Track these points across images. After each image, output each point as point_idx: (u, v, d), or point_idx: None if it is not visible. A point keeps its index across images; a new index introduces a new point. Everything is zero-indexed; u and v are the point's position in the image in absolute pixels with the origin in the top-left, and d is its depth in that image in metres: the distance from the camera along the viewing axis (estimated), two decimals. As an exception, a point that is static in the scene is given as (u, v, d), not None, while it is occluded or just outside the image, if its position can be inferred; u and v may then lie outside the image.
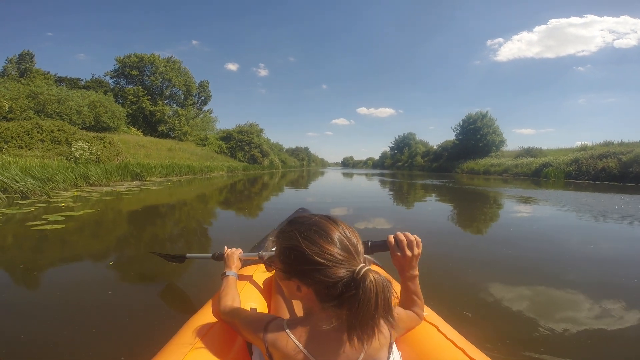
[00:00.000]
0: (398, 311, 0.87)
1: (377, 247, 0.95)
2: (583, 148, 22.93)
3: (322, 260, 0.68)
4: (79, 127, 16.38)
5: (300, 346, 0.71)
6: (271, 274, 1.41)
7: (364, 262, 0.70)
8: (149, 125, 29.24)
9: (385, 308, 0.66)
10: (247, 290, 1.26)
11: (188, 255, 1.89)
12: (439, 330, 0.98)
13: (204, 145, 28.61)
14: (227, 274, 1.20)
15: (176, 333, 0.98)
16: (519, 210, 6.50)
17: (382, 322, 0.70)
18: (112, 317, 1.76)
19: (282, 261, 0.75)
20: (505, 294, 2.17)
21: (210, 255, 1.59)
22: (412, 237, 0.89)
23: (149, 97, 29.25)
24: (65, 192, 6.91)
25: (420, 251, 0.90)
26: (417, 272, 0.92)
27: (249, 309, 1.01)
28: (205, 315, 1.06)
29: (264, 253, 1.39)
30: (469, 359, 0.86)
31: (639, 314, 1.91)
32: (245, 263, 1.47)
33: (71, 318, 1.73)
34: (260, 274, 1.42)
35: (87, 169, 8.92)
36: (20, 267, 2.50)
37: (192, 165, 17.72)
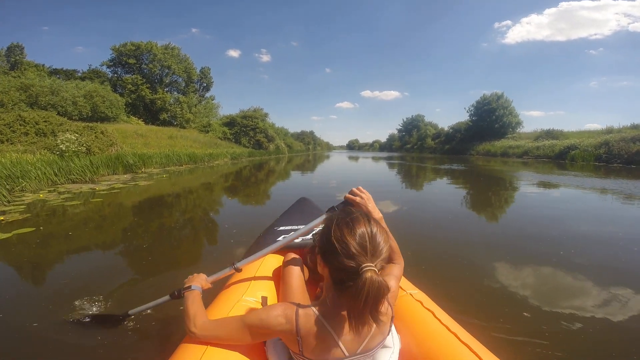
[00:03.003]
0: (391, 284, 0.92)
1: (339, 206, 1.14)
2: (610, 130, 21.49)
3: (337, 246, 0.77)
4: (76, 118, 16.22)
5: (330, 328, 0.80)
6: (278, 266, 1.46)
7: (376, 264, 0.75)
8: (150, 113, 28.90)
9: (374, 308, 0.74)
10: (255, 282, 1.34)
11: (131, 311, 1.56)
12: (434, 315, 1.06)
13: (207, 132, 27.54)
14: (192, 287, 1.13)
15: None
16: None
17: (384, 305, 0.82)
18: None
19: (319, 237, 0.86)
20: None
21: (167, 296, 1.34)
22: (357, 188, 1.12)
23: (148, 86, 28.75)
24: (32, 194, 5.80)
25: (368, 195, 1.11)
26: (380, 215, 1.09)
27: (260, 298, 1.19)
28: (222, 305, 1.16)
29: (238, 264, 1.29)
30: (462, 343, 0.92)
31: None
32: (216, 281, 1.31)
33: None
34: (266, 266, 1.47)
35: (70, 162, 7.95)
36: None
37: (194, 154, 16.71)
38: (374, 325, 0.81)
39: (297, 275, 1.23)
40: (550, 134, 27.15)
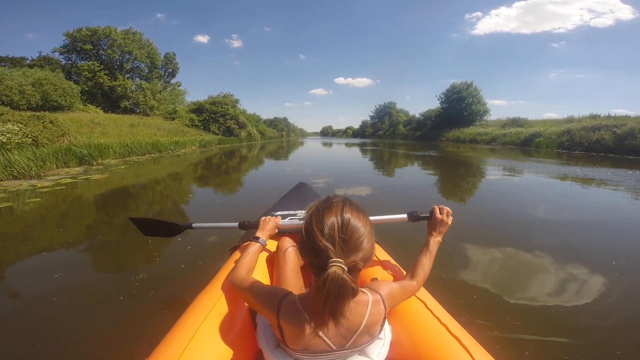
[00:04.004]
0: (393, 288, 0.92)
1: (422, 217, 1.26)
2: (570, 120, 22.75)
3: (306, 240, 0.72)
4: (24, 108, 15.11)
5: (310, 320, 0.75)
6: (272, 251, 1.40)
7: (348, 259, 0.70)
8: (110, 101, 27.54)
9: (333, 308, 0.70)
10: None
11: (195, 224, 1.63)
12: (426, 306, 1.04)
13: (173, 119, 26.07)
14: (259, 240, 1.23)
15: (182, 313, 1.04)
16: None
17: (377, 298, 0.82)
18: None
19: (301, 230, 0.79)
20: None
21: (236, 224, 1.48)
22: (447, 210, 1.16)
23: (106, 72, 27.25)
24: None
25: (449, 221, 1.16)
26: (440, 239, 1.15)
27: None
28: (212, 291, 1.11)
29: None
30: (451, 335, 0.91)
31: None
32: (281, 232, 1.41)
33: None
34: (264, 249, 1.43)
35: (10, 156, 7.07)
36: None
37: (158, 142, 15.70)
38: (365, 318, 0.78)
39: (291, 261, 1.18)
40: (515, 122, 28.17)
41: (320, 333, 0.75)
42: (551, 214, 4.11)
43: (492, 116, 36.21)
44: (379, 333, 0.84)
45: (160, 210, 4.44)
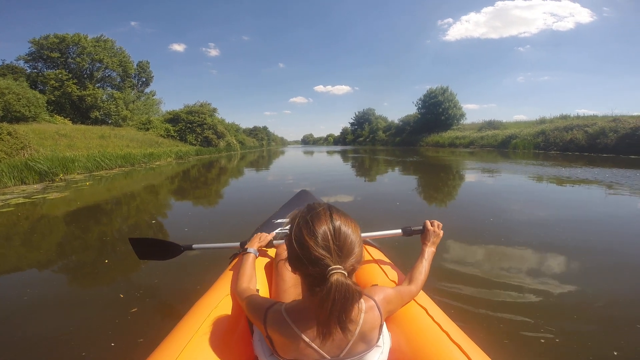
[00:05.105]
0: (388, 293, 0.91)
1: (415, 231, 1.32)
2: (543, 121, 23.46)
3: (299, 251, 0.70)
4: None
5: (297, 330, 0.74)
6: (271, 259, 1.44)
7: (345, 264, 0.69)
8: (79, 112, 26.20)
9: (340, 316, 0.68)
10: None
11: (195, 246, 1.67)
12: (427, 313, 1.01)
13: (147, 129, 25.08)
14: (248, 250, 1.30)
15: (183, 317, 1.05)
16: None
17: (371, 305, 0.80)
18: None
19: (286, 240, 0.78)
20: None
21: (237, 243, 1.54)
22: (438, 224, 1.26)
23: (75, 81, 25.87)
24: None
25: (441, 234, 1.25)
26: (434, 249, 1.22)
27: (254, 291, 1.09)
28: (211, 298, 1.13)
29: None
30: (453, 342, 0.88)
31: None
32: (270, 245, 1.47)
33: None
34: (263, 257, 1.43)
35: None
36: None
37: (130, 154, 14.90)
38: (358, 326, 0.76)
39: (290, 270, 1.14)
40: (491, 125, 28.89)
41: (312, 343, 0.74)
42: (558, 217, 3.91)
43: (467, 120, 37.19)
44: (377, 341, 0.81)
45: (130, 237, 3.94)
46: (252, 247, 1.33)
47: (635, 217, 4.00)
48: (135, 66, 33.11)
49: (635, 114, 16.75)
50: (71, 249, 3.31)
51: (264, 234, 1.45)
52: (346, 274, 0.68)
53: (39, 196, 6.18)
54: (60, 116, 23.43)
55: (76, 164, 10.68)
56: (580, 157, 13.65)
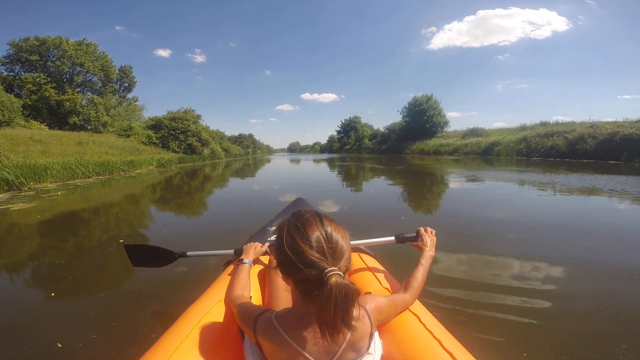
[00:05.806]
0: (379, 302, 0.92)
1: (408, 237, 1.32)
2: (524, 128, 23.87)
3: (293, 257, 0.70)
4: None
5: (287, 338, 0.74)
6: (264, 267, 1.46)
7: (338, 266, 0.70)
8: (57, 117, 25.41)
9: (343, 315, 0.68)
10: None
11: (189, 253, 1.69)
12: (420, 320, 1.00)
13: (128, 136, 24.36)
14: (243, 261, 1.32)
15: (174, 322, 1.06)
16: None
17: (361, 313, 0.80)
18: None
19: (275, 250, 0.78)
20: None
21: (231, 251, 1.57)
22: (430, 230, 1.28)
23: (54, 85, 25.04)
24: None
25: (434, 239, 1.26)
26: (433, 253, 1.22)
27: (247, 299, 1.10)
28: (203, 304, 1.14)
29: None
30: (445, 350, 0.88)
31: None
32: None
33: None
34: (256, 265, 1.44)
35: None
36: None
37: (109, 162, 14.33)
38: (348, 334, 0.75)
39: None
40: (474, 132, 29.43)
41: (302, 350, 0.74)
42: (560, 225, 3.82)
43: (450, 128, 37.83)
44: (368, 348, 0.81)
45: (98, 269, 3.62)
46: (248, 258, 1.35)
47: (613, 221, 3.99)
48: (117, 71, 32.44)
49: (610, 119, 17.38)
50: (37, 260, 2.98)
51: (258, 244, 1.47)
52: (342, 274, 0.69)
53: (4, 206, 5.73)
54: (37, 121, 22.61)
55: (48, 172, 10.14)
56: (562, 162, 13.93)
